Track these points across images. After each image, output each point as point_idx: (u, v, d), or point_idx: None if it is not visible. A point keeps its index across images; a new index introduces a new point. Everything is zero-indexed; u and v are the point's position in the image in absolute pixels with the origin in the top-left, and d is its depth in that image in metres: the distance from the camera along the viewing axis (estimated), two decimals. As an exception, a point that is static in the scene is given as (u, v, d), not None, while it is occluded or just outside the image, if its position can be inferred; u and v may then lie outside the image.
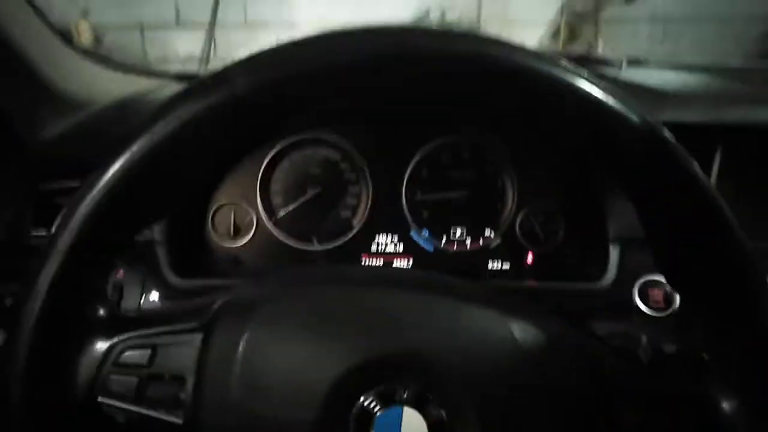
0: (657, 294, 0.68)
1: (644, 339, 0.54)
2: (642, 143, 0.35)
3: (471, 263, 0.82)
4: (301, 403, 0.37)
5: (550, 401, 0.39)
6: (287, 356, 0.39)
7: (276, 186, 0.82)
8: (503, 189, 0.81)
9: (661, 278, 0.69)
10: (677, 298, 0.67)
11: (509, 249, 0.82)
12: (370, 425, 0.37)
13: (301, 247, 0.82)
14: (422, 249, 0.82)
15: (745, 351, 0.38)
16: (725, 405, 0.39)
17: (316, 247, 0.82)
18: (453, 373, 0.39)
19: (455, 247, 0.82)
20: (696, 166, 0.35)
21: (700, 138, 0.41)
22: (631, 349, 0.53)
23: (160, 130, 0.34)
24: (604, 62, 0.93)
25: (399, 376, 0.38)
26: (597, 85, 0.34)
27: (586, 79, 0.34)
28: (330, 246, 0.82)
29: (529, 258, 0.82)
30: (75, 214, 0.35)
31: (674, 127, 0.35)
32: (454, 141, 0.80)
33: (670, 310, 0.67)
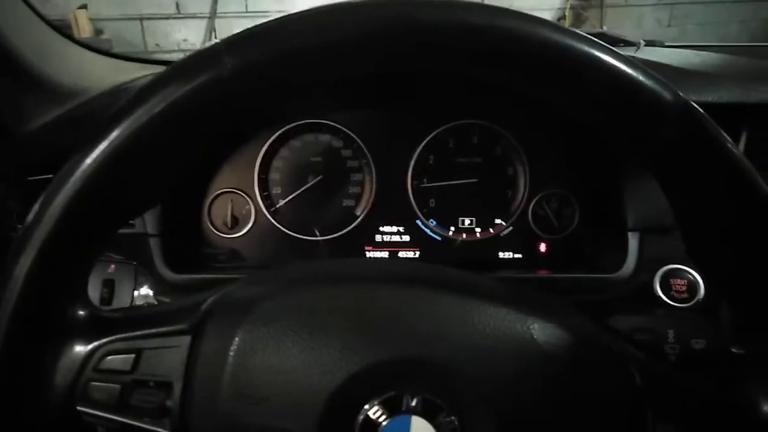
0: (680, 284, 0.64)
1: (671, 334, 0.50)
2: (676, 121, 0.32)
3: (481, 253, 0.79)
4: (298, 414, 0.34)
5: (574, 408, 0.36)
6: (283, 361, 0.36)
7: (275, 174, 0.79)
8: (514, 175, 0.78)
9: (684, 267, 0.65)
10: (701, 287, 0.64)
11: (521, 238, 0.79)
12: None
13: (302, 238, 0.79)
14: (429, 239, 0.79)
15: None
16: (765, 407, 0.35)
17: (318, 238, 0.79)
18: (465, 377, 0.35)
19: (464, 236, 0.79)
20: (735, 147, 0.32)
21: (725, 119, 0.38)
22: (657, 345, 0.50)
23: (143, 113, 0.31)
24: (621, 42, 0.89)
25: (407, 382, 0.35)
26: (628, 61, 0.31)
27: (618, 55, 0.31)
28: (332, 237, 0.79)
29: (542, 247, 0.79)
30: (51, 204, 0.32)
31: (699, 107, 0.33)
32: (462, 125, 0.76)
33: (694, 301, 0.64)
